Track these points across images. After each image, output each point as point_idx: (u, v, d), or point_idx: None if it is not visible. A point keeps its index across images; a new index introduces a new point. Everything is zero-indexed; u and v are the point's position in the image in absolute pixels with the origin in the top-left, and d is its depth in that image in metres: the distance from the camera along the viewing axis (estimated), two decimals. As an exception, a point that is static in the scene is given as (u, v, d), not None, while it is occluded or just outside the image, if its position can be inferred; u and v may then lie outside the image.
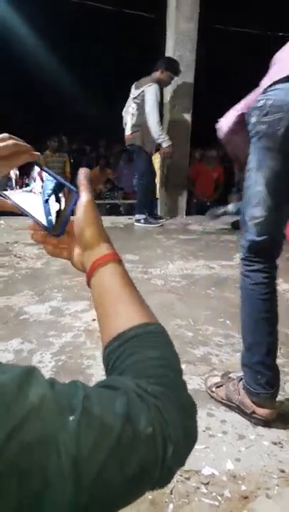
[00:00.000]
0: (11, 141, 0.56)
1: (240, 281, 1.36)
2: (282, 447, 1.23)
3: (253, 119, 1.21)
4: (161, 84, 4.35)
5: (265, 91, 1.18)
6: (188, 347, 1.82)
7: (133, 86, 4.43)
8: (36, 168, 0.61)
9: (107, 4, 6.97)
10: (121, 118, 4.59)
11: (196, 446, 1.20)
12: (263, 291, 1.29)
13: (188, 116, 4.88)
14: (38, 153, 0.60)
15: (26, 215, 0.61)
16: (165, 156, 4.42)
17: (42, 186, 0.61)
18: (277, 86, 1.14)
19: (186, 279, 2.71)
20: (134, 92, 4.36)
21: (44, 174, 0.60)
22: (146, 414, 0.36)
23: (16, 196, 0.61)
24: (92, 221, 0.56)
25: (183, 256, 3.26)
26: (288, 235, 1.86)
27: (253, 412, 1.31)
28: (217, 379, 1.50)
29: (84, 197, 0.56)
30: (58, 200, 0.60)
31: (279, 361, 1.71)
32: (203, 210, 5.17)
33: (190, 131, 4.94)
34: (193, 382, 1.55)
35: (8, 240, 3.52)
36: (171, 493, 1.05)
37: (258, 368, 1.30)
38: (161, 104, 4.36)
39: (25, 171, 0.62)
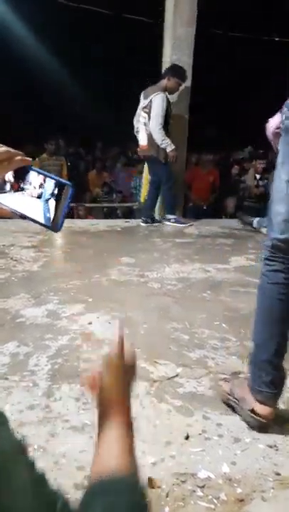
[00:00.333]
0: (2, 148, 0.59)
1: (259, 280, 1.35)
2: (277, 450, 1.24)
3: (284, 116, 1.23)
4: (169, 92, 4.42)
5: None
6: (184, 350, 1.83)
7: (141, 95, 4.52)
8: (32, 173, 0.63)
9: (107, 6, 7.02)
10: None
11: (192, 450, 1.21)
12: (281, 291, 1.28)
13: (184, 121, 4.90)
14: (30, 159, 0.63)
15: (25, 218, 0.63)
16: (170, 160, 4.46)
17: (40, 187, 0.63)
18: None
19: (182, 283, 2.71)
20: (143, 102, 4.45)
21: (40, 176, 0.62)
22: None
23: (11, 201, 0.63)
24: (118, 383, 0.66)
25: (179, 259, 3.27)
26: None
27: (252, 410, 1.31)
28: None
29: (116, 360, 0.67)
30: (54, 196, 0.62)
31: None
32: (199, 214, 5.19)
33: (186, 135, 4.96)
34: (189, 385, 1.56)
35: (4, 243, 3.52)
36: (167, 497, 1.05)
37: (264, 366, 1.30)
38: (169, 112, 4.42)
39: (20, 176, 0.64)
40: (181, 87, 4.56)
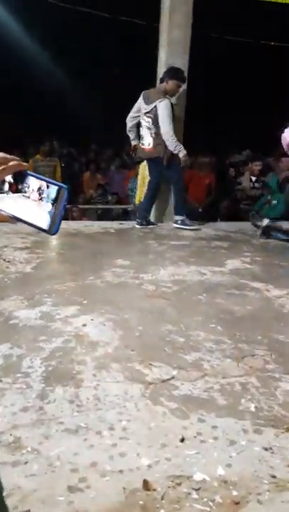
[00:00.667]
0: None
1: None
2: (273, 453, 1.23)
3: None
4: (170, 95, 4.46)
5: None
6: (179, 352, 1.82)
7: (141, 97, 4.56)
8: (28, 177, 0.64)
9: (104, 9, 7.05)
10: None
11: (187, 452, 1.20)
12: None
13: (180, 124, 4.91)
14: (26, 164, 0.65)
15: (22, 222, 0.64)
16: (183, 164, 4.49)
17: (37, 191, 0.64)
18: None
19: (178, 285, 2.71)
20: (145, 107, 4.49)
21: (37, 180, 0.64)
22: None
23: (7, 205, 0.65)
24: None
25: (174, 261, 3.27)
26: None
27: None
28: None
29: None
30: (50, 200, 0.63)
31: (269, 367, 1.72)
32: (195, 216, 5.19)
33: (182, 137, 4.97)
34: (185, 387, 1.55)
35: (-2, 244, 3.50)
36: (162, 499, 1.04)
37: None
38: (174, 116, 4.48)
39: (16, 181, 0.65)
40: (181, 89, 4.59)
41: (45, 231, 0.63)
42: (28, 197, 0.64)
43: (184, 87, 4.74)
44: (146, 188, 4.97)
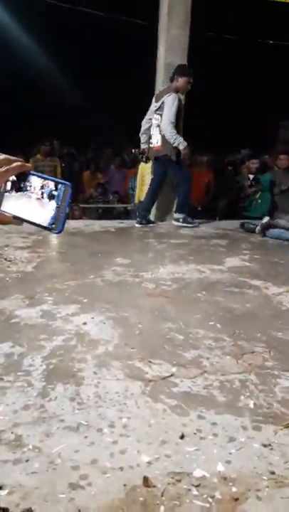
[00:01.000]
0: (1, 156, 0.62)
1: None
2: (272, 449, 1.24)
3: None
4: (181, 92, 4.49)
5: None
6: (179, 350, 1.83)
7: (153, 98, 4.62)
8: (32, 177, 0.65)
9: (104, 9, 7.06)
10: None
11: (187, 449, 1.21)
12: None
13: (180, 122, 4.91)
14: (29, 165, 0.65)
15: (27, 222, 0.64)
16: (182, 157, 4.49)
17: (41, 189, 0.64)
18: None
19: (177, 283, 2.72)
20: (155, 105, 4.53)
21: (41, 180, 0.64)
22: None
23: (12, 207, 0.64)
24: None
25: (174, 260, 3.28)
26: None
27: None
28: None
29: None
30: (54, 198, 0.63)
31: (268, 364, 1.73)
32: (193, 214, 5.20)
33: (182, 136, 4.97)
34: (184, 384, 1.56)
35: (-2, 244, 3.51)
36: (162, 496, 1.05)
37: None
38: (181, 111, 4.50)
39: (20, 181, 0.66)
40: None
41: (49, 230, 0.63)
42: (31, 196, 0.64)
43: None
44: (145, 187, 4.98)
